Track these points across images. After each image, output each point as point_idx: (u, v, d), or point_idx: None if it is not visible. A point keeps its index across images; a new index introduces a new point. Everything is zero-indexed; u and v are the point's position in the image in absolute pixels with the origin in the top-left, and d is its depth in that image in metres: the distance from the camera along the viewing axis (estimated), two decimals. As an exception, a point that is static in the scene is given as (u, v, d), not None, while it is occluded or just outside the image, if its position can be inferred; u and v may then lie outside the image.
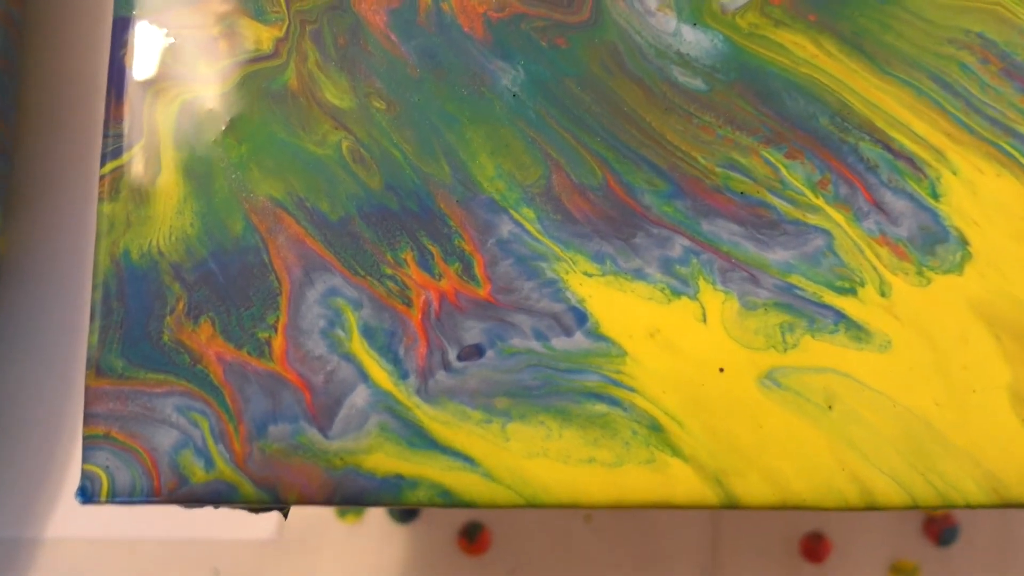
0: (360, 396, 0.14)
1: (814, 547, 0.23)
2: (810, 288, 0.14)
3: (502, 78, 0.15)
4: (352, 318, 0.14)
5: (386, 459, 0.14)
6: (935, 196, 0.14)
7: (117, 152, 0.15)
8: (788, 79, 0.15)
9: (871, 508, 0.13)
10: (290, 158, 0.15)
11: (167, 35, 0.15)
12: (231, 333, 0.14)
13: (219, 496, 0.14)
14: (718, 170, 0.14)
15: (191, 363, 0.14)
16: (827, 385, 0.14)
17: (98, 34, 0.19)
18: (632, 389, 0.14)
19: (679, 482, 0.13)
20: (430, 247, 0.14)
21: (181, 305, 0.14)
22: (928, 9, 0.15)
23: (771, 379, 0.14)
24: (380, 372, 0.14)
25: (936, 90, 0.14)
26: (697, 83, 0.15)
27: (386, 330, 0.14)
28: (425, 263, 0.14)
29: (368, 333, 0.14)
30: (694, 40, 0.15)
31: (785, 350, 0.14)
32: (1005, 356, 0.14)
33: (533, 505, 0.13)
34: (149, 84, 0.15)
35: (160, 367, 0.14)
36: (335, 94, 0.15)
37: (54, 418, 0.16)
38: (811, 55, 0.15)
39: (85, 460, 0.14)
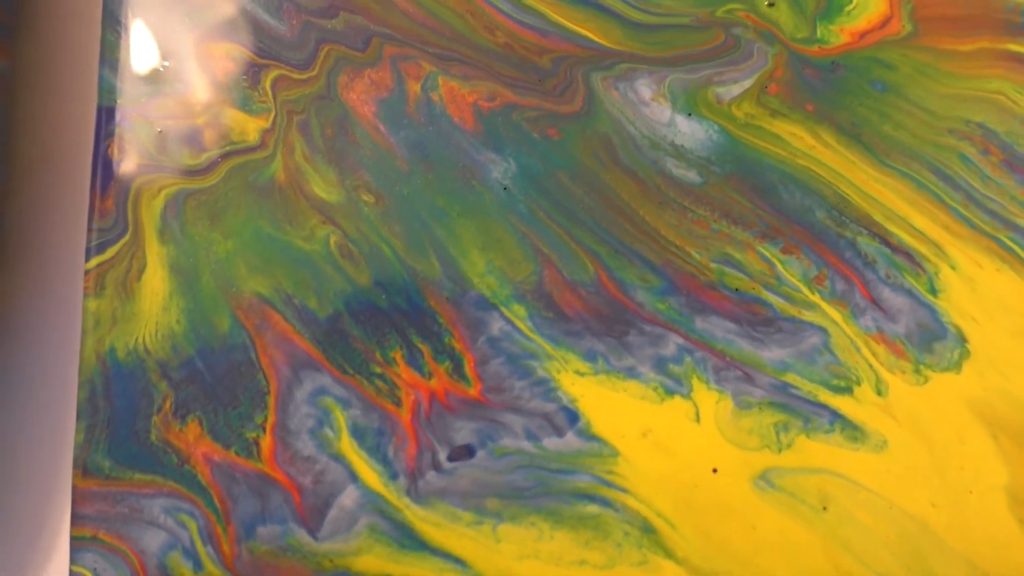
0: (349, 497, 0.18)
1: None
2: (805, 387, 0.18)
3: (493, 170, 0.19)
4: (341, 418, 0.18)
5: (376, 561, 0.18)
6: (933, 292, 0.18)
7: (102, 247, 0.19)
8: (785, 171, 0.19)
9: (864, 612, 0.17)
10: (277, 253, 0.19)
11: (152, 125, 0.19)
12: (219, 433, 0.18)
13: (209, 599, 0.18)
14: (713, 266, 0.18)
15: (179, 463, 0.18)
16: (822, 486, 0.18)
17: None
18: (624, 490, 0.18)
19: (671, 586, 0.17)
20: (420, 345, 0.18)
21: (168, 404, 0.18)
22: (928, 98, 0.19)
23: (765, 480, 0.18)
24: (369, 473, 0.18)
25: (936, 182, 0.18)
26: (692, 175, 0.19)
27: (375, 430, 0.18)
28: (415, 361, 0.18)
29: (357, 433, 0.18)
30: (689, 131, 0.19)
31: (780, 450, 0.18)
32: (1003, 457, 0.18)
33: (524, 609, 0.17)
34: (133, 176, 0.19)
35: (147, 467, 0.18)
36: (323, 187, 0.19)
37: (39, 518, 0.20)
38: (808, 146, 0.19)
39: (73, 561, 0.18)
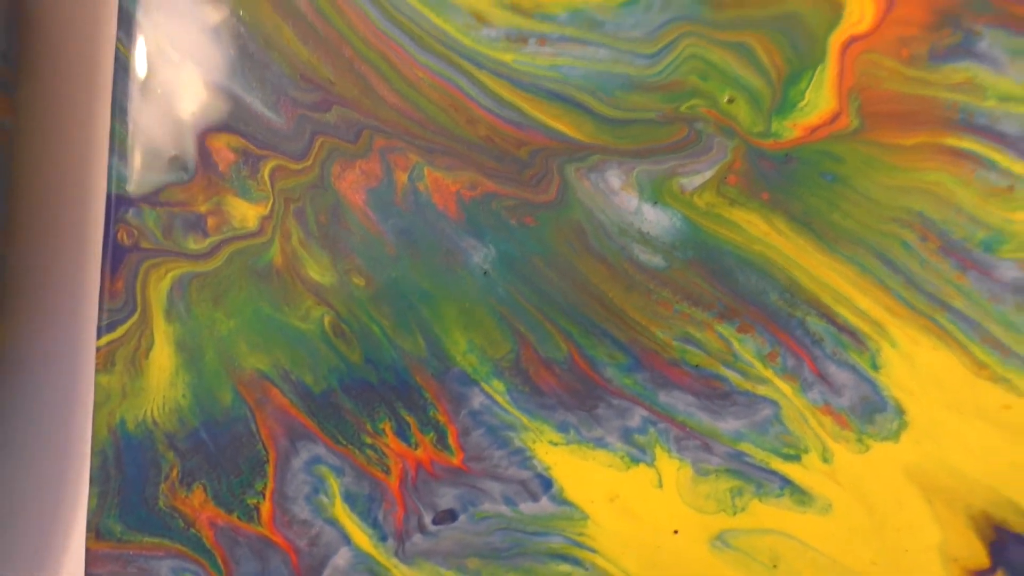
0: (343, 558, 0.24)
1: None
2: (758, 455, 0.24)
3: (474, 256, 0.24)
4: (335, 485, 0.24)
5: (367, 616, 0.23)
6: (875, 368, 0.24)
7: (112, 326, 0.24)
8: (741, 256, 0.24)
9: (809, 660, 0.23)
10: (275, 332, 0.24)
11: (158, 212, 0.25)
12: (222, 499, 0.24)
13: (215, 651, 0.23)
14: (675, 344, 0.24)
15: (185, 527, 0.24)
16: (773, 546, 0.23)
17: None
18: (593, 550, 0.23)
19: (634, 637, 0.23)
20: (407, 418, 0.24)
21: (175, 472, 0.24)
22: (873, 189, 0.24)
23: (721, 540, 0.23)
24: (361, 535, 0.24)
25: (879, 267, 0.24)
26: (657, 260, 0.24)
27: (366, 496, 0.24)
28: (402, 433, 0.24)
29: (350, 499, 0.24)
30: (654, 219, 0.24)
31: (734, 513, 0.23)
32: (936, 519, 0.23)
33: (502, 659, 0.23)
34: (142, 260, 0.25)
35: (156, 531, 0.24)
36: (317, 271, 0.25)
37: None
38: (763, 233, 0.24)
39: (89, 618, 0.24)
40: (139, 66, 0.25)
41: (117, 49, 0.25)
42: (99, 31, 0.27)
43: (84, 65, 0.28)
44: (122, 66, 0.25)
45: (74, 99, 0.28)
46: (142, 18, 0.25)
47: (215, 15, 0.25)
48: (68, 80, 0.28)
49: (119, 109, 0.25)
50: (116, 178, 0.25)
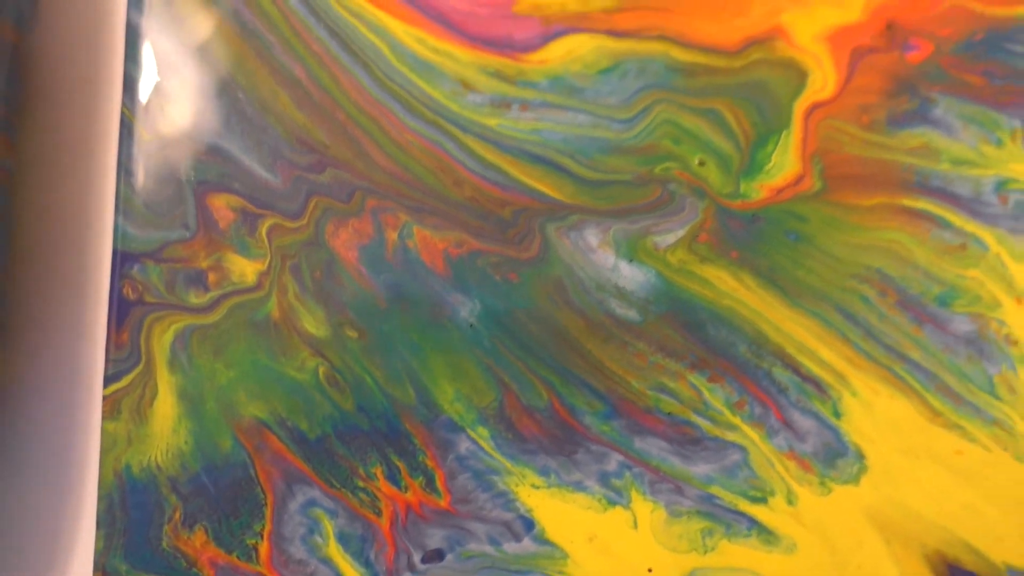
0: (337, 595, 0.26)
1: None
2: (727, 498, 0.26)
3: (461, 310, 0.26)
4: (329, 526, 0.26)
5: (360, 651, 0.25)
6: (837, 415, 0.26)
7: (117, 376, 0.26)
8: (712, 311, 0.26)
9: None
10: (273, 382, 0.26)
11: (162, 268, 0.27)
12: (222, 539, 0.26)
13: None
14: (649, 393, 0.26)
15: (187, 567, 0.26)
16: (741, 584, 0.25)
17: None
18: (573, 588, 0.25)
19: (611, 670, 0.25)
20: (397, 463, 0.26)
21: (177, 515, 0.26)
22: (835, 247, 0.26)
23: (693, 579, 0.25)
24: (354, 574, 0.26)
25: (840, 320, 0.26)
26: (632, 314, 0.26)
27: (359, 536, 0.26)
28: (393, 477, 0.26)
29: (343, 539, 0.26)
30: (630, 275, 0.26)
31: (705, 552, 0.25)
32: (894, 558, 0.25)
33: None
34: (146, 313, 0.27)
35: (160, 571, 0.26)
36: (312, 324, 0.27)
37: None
38: (732, 288, 0.26)
39: (96, 653, 0.25)
40: (144, 129, 0.27)
41: (123, 113, 0.27)
42: (103, 92, 0.29)
43: (88, 121, 0.30)
44: (127, 129, 0.27)
45: (78, 155, 0.30)
46: (146, 87, 0.27)
47: (215, 81, 0.27)
48: (72, 138, 0.30)
49: (124, 170, 0.27)
50: (121, 235, 0.27)
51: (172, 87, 0.27)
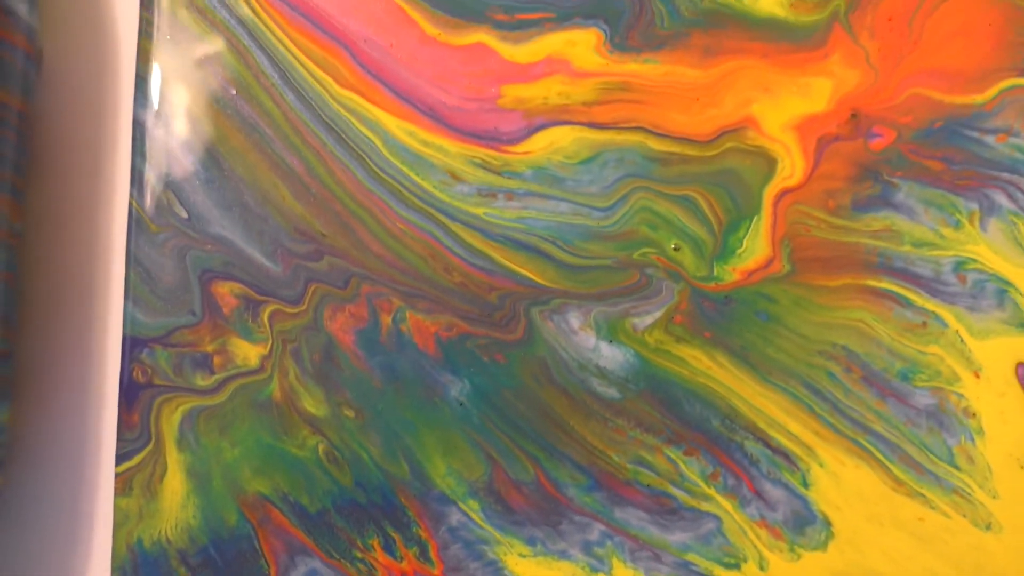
0: (337, 660, 0.29)
1: None
2: (703, 564, 0.29)
3: (451, 389, 0.29)
4: (330, 595, 0.29)
5: None
6: (805, 485, 0.29)
7: (129, 454, 0.29)
8: (687, 388, 0.29)
9: None
10: (275, 459, 0.29)
11: (170, 352, 0.30)
12: (230, 609, 0.29)
13: None
14: (629, 466, 0.29)
15: (197, 634, 0.29)
16: (717, 646, 0.28)
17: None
18: (559, 652, 0.28)
19: None
20: (393, 534, 0.29)
21: (187, 585, 0.29)
22: (803, 326, 0.29)
23: (671, 642, 0.28)
24: (353, 640, 0.29)
25: (808, 395, 0.29)
26: (612, 392, 0.29)
27: (358, 605, 0.29)
28: (389, 548, 0.29)
29: (343, 608, 0.29)
30: (610, 355, 0.29)
31: (683, 617, 0.28)
32: (860, 620, 0.28)
33: None
34: (155, 395, 0.30)
35: (171, 638, 0.29)
36: (312, 404, 0.30)
37: None
38: (706, 367, 0.29)
39: None
40: (152, 221, 0.30)
41: (131, 206, 0.30)
42: (111, 184, 0.33)
43: (98, 212, 0.33)
44: (135, 221, 0.30)
45: (89, 246, 0.33)
46: (153, 180, 0.30)
47: (218, 174, 0.30)
48: (82, 230, 0.33)
49: (133, 259, 0.30)
50: (130, 321, 0.30)
51: (178, 179, 0.30)
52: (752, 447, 0.29)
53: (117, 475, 0.29)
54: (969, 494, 0.28)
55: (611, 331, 0.30)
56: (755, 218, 0.29)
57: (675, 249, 0.30)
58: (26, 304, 0.34)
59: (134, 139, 0.30)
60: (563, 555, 0.29)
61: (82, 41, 0.36)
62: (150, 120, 0.30)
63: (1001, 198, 0.29)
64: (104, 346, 0.32)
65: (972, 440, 0.28)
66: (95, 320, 0.32)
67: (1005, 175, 0.29)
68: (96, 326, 0.32)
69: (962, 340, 0.29)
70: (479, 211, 0.30)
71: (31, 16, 0.34)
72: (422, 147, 0.30)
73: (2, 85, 0.32)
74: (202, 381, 0.30)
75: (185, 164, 0.30)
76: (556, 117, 0.30)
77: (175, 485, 0.29)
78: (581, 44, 0.30)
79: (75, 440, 0.32)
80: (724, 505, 0.29)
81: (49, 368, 0.33)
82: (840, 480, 0.29)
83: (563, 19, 0.30)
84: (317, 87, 0.30)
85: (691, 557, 0.29)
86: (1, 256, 0.31)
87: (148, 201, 0.30)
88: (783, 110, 0.30)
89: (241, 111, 0.30)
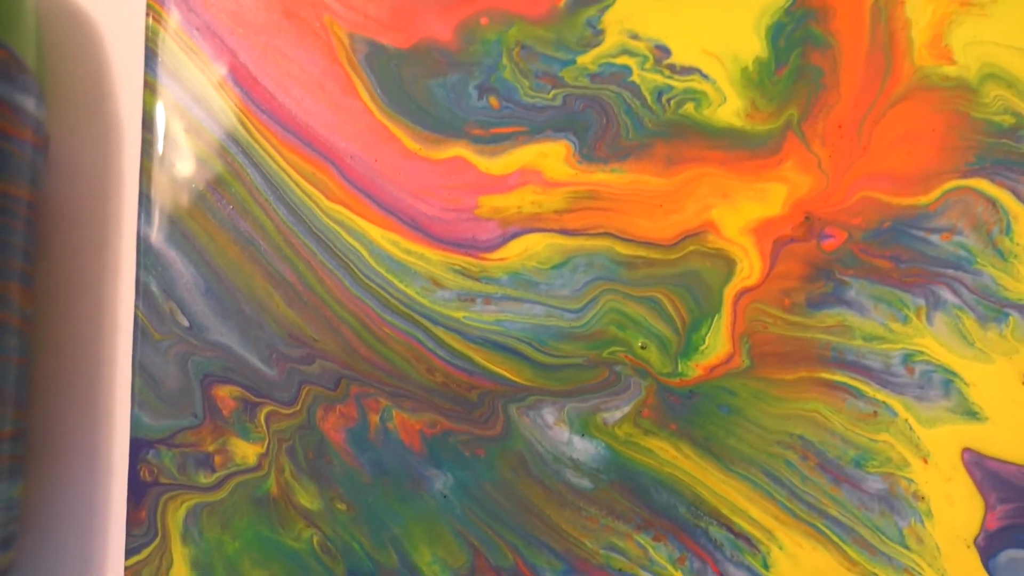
0: None
1: None
2: (673, 644, 0.33)
3: (435, 482, 0.34)
4: (325, 678, 0.33)
5: None
6: (766, 567, 0.33)
7: (137, 549, 0.34)
8: (655, 477, 0.34)
9: None
10: (273, 551, 0.34)
11: (174, 453, 0.34)
12: None
13: None
14: (601, 552, 0.34)
15: None
16: None
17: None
18: None
19: None
20: (383, 620, 0.33)
21: (193, 671, 0.33)
22: (762, 417, 0.34)
23: None
24: None
25: (767, 482, 0.34)
26: (585, 483, 0.34)
27: None
28: (380, 633, 0.33)
29: None
30: (583, 448, 0.34)
31: None
32: None
33: None
34: (161, 493, 0.34)
35: None
36: (306, 498, 0.34)
37: None
38: (672, 457, 0.34)
39: None
40: (155, 329, 0.35)
41: (136, 316, 0.34)
42: (116, 296, 0.38)
43: (102, 322, 0.38)
44: (140, 330, 0.34)
45: (96, 357, 0.38)
46: (156, 291, 0.35)
47: (217, 286, 0.35)
48: (89, 338, 0.38)
49: (138, 365, 0.34)
50: (136, 424, 0.34)
51: (179, 290, 0.35)
52: (716, 532, 0.33)
53: (127, 568, 0.34)
54: (920, 573, 0.33)
55: (583, 425, 0.34)
56: (716, 317, 0.34)
57: (642, 347, 0.34)
58: (36, 386, 0.38)
59: (138, 253, 0.35)
60: (542, 637, 0.33)
61: (86, 123, 0.41)
62: (153, 235, 0.35)
63: (946, 293, 0.33)
64: (112, 448, 0.37)
65: (922, 522, 0.33)
66: (102, 424, 0.37)
67: (950, 271, 0.33)
68: (104, 429, 0.37)
69: (911, 428, 0.33)
70: (459, 315, 0.34)
71: (38, 109, 0.39)
72: (405, 256, 0.35)
73: (11, 178, 0.36)
74: (204, 479, 0.34)
75: (186, 276, 0.35)
76: (530, 225, 0.34)
77: (180, 577, 0.34)
78: (552, 156, 0.35)
79: (86, 537, 0.36)
80: (691, 587, 0.33)
81: (59, 473, 0.37)
82: (798, 562, 0.33)
83: (535, 132, 0.35)
84: (307, 201, 0.35)
85: (661, 637, 0.33)
86: (13, 341, 0.36)
87: (152, 311, 0.35)
88: (741, 214, 0.34)
89: (237, 225, 0.35)
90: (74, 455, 0.37)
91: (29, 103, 0.37)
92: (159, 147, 0.35)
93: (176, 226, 0.35)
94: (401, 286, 0.34)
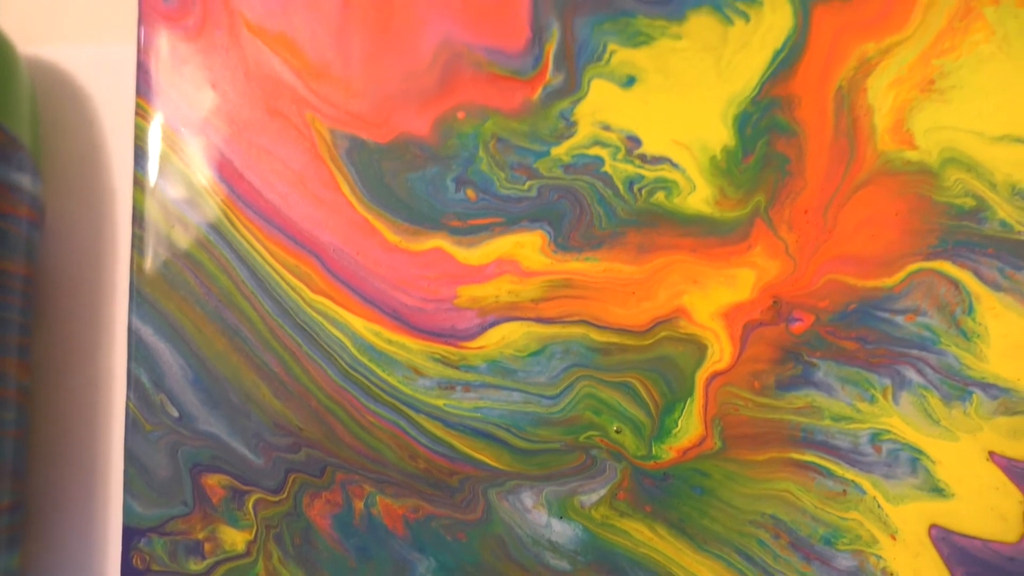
0: None
1: None
2: None
3: (419, 566, 0.37)
4: None
5: None
6: (741, 645, 0.36)
7: (131, 635, 0.37)
8: (631, 558, 0.37)
9: None
10: (262, 636, 0.37)
11: (165, 540, 0.37)
12: None
13: None
14: (581, 632, 0.36)
15: None
16: None
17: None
18: None
19: None
20: None
21: None
22: (734, 498, 0.37)
23: None
24: None
25: (740, 562, 0.36)
26: (564, 564, 0.37)
27: None
28: None
29: None
30: (561, 530, 0.37)
31: None
32: None
33: None
34: (153, 580, 0.37)
35: None
36: (294, 584, 0.37)
37: None
38: (648, 538, 0.37)
39: None
40: (146, 420, 0.38)
41: (127, 407, 0.37)
42: (109, 387, 0.41)
43: (97, 412, 0.41)
44: (132, 421, 0.37)
45: (91, 446, 0.41)
46: (147, 383, 0.38)
47: (205, 377, 0.38)
48: (83, 433, 0.41)
49: (129, 455, 0.37)
50: (128, 513, 0.37)
51: (169, 382, 0.38)
52: (692, 611, 0.36)
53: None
54: (890, 648, 0.35)
55: (561, 508, 0.37)
56: (688, 400, 0.37)
57: (617, 432, 0.37)
58: (34, 458, 0.41)
59: (129, 345, 0.38)
60: None
61: (82, 194, 0.44)
62: (143, 328, 0.38)
63: (911, 373, 0.36)
64: (105, 537, 0.39)
65: (891, 598, 0.36)
66: (95, 514, 0.40)
67: (914, 352, 0.36)
68: (97, 520, 0.40)
69: (879, 506, 0.36)
70: (440, 403, 0.37)
71: (34, 186, 0.42)
72: (387, 346, 0.38)
73: (8, 255, 0.39)
74: (195, 566, 0.37)
75: (175, 367, 0.38)
76: (507, 314, 0.37)
77: (173, 662, 0.37)
78: (528, 246, 0.38)
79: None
80: (668, 665, 0.36)
81: (53, 562, 0.40)
82: (772, 639, 0.36)
83: (511, 223, 0.38)
84: (292, 293, 0.38)
85: None
86: (11, 414, 0.39)
87: (142, 402, 0.38)
88: (711, 300, 0.37)
89: (224, 317, 0.38)
90: (70, 531, 0.40)
91: (25, 180, 0.40)
92: (148, 241, 0.38)
93: (165, 319, 0.38)
94: (384, 375, 0.37)
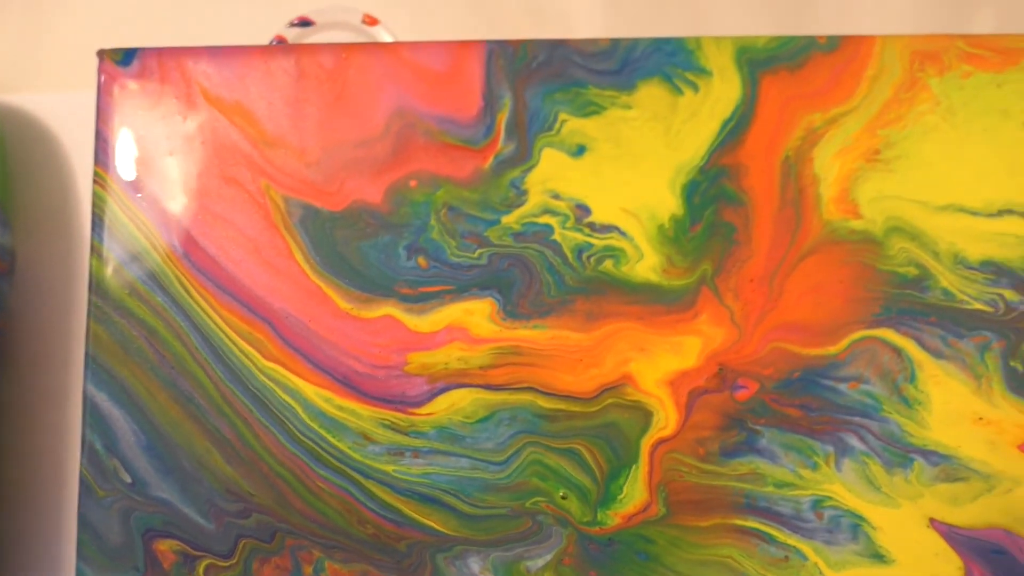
0: None
1: None
2: None
3: (366, 631, 0.39)
4: None
5: None
6: None
7: None
8: (576, 624, 0.39)
9: None
10: None
11: (116, 605, 0.40)
12: None
13: None
14: None
15: None
16: None
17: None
18: None
19: None
20: None
21: None
22: (678, 563, 0.39)
23: None
24: None
25: (684, 628, 0.39)
26: (510, 629, 0.39)
27: None
28: None
29: None
30: (507, 595, 0.39)
31: None
32: None
33: None
34: (104, 645, 0.40)
35: None
36: (243, 649, 0.40)
37: None
38: (593, 604, 0.39)
39: None
40: (99, 486, 0.41)
41: (81, 473, 0.40)
42: (67, 455, 0.44)
43: (55, 480, 0.44)
44: (85, 487, 0.40)
45: (44, 513, 0.44)
46: (100, 449, 0.41)
47: (158, 443, 0.41)
48: (39, 500, 0.44)
49: (82, 521, 0.40)
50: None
51: (122, 448, 0.41)
52: (636, 676, 0.39)
53: None
54: None
55: (507, 573, 0.40)
56: (634, 467, 0.40)
57: (563, 498, 0.40)
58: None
59: (84, 412, 0.40)
60: None
61: (51, 239, 0.47)
62: (98, 395, 0.41)
63: (854, 440, 0.39)
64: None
65: (832, 663, 0.38)
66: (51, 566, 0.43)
67: (857, 419, 0.39)
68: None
69: (821, 572, 0.38)
70: (389, 468, 0.40)
71: (3, 236, 0.45)
72: (337, 412, 0.40)
73: None
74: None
75: (128, 433, 0.41)
76: (456, 381, 0.40)
77: None
78: (477, 313, 0.41)
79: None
80: None
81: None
82: None
83: (461, 291, 0.41)
84: (244, 360, 0.41)
85: None
86: None
87: (96, 468, 0.41)
88: (657, 367, 0.40)
89: (178, 384, 0.41)
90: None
91: (-4, 233, 0.43)
92: (105, 308, 0.41)
93: (120, 384, 0.41)
94: (334, 441, 0.40)
